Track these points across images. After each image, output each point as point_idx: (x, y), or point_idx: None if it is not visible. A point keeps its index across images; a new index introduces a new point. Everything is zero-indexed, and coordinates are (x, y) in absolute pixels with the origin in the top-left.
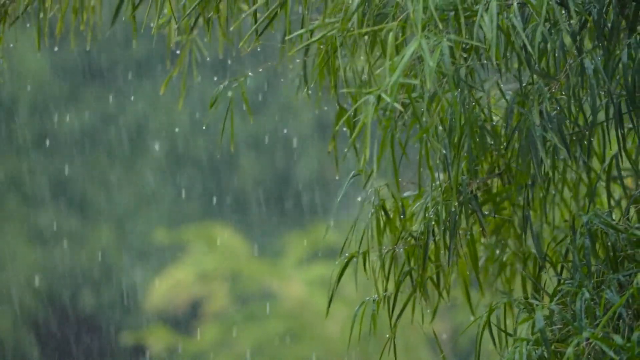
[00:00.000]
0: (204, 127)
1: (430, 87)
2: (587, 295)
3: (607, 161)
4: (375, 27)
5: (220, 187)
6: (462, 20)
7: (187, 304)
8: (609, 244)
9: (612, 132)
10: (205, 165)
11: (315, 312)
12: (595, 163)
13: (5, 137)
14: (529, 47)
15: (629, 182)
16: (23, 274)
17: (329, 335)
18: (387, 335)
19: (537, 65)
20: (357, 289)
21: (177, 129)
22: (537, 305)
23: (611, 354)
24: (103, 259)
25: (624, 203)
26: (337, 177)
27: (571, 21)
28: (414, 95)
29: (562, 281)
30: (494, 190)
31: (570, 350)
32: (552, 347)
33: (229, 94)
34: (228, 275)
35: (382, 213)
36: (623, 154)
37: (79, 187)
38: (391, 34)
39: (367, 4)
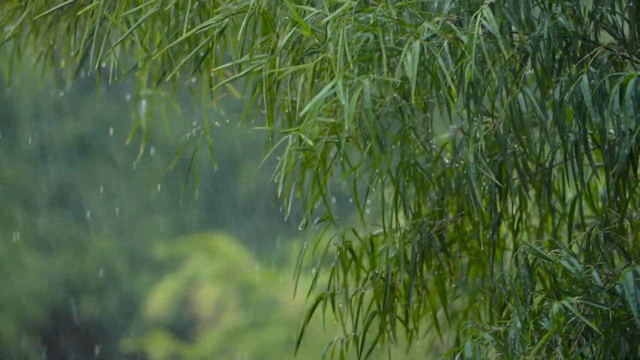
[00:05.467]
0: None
1: (349, 128)
2: (519, 324)
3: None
4: (291, 68)
5: (221, 196)
6: (385, 60)
7: (188, 311)
8: (550, 273)
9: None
10: (206, 174)
11: (317, 319)
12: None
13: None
14: (452, 86)
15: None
16: (25, 282)
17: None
18: None
19: (476, 103)
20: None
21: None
22: (468, 335)
23: None
24: (104, 266)
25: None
26: (285, 218)
27: (508, 59)
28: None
29: (508, 311)
30: (464, 228)
31: None
32: None
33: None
34: (229, 282)
35: (349, 254)
36: (584, 191)
37: (79, 195)
38: (308, 75)
39: (297, 41)
